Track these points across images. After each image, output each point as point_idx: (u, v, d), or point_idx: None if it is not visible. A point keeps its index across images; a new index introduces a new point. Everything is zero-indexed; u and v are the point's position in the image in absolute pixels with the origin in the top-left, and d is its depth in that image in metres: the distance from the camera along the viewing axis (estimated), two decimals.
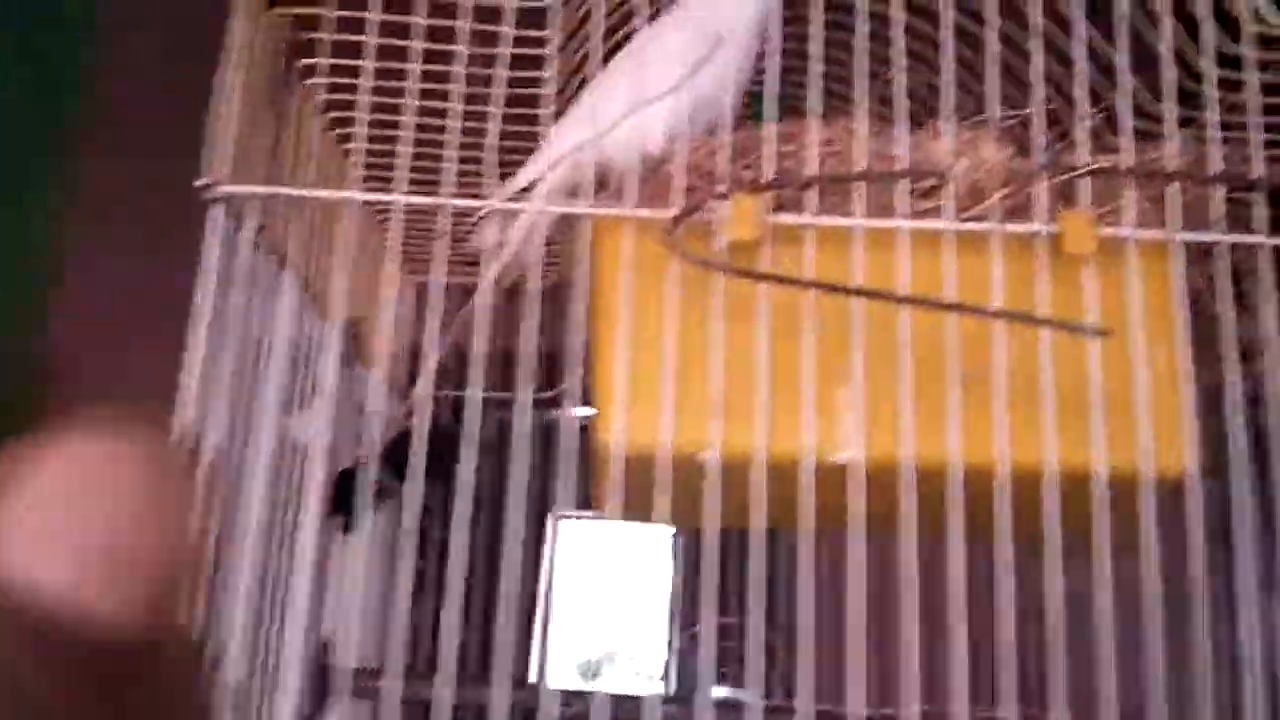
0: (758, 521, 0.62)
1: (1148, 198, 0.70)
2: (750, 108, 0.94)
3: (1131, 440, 0.65)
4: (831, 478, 0.65)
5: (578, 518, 1.53)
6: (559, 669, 1.51)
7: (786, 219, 0.67)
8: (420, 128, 0.73)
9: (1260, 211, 0.69)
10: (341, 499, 0.98)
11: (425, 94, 0.73)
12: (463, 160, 0.76)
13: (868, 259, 0.67)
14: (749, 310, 0.66)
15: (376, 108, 0.75)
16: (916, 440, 0.64)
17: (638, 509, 0.66)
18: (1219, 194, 0.69)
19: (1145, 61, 0.72)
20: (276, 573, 0.88)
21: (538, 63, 0.76)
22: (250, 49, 0.70)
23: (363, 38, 0.72)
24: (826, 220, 0.67)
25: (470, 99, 0.77)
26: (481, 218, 0.73)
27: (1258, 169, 0.69)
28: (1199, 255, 0.71)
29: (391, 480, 1.06)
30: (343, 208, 0.73)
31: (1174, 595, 0.72)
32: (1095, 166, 0.67)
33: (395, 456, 1.04)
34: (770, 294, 0.66)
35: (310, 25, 0.74)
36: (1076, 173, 0.66)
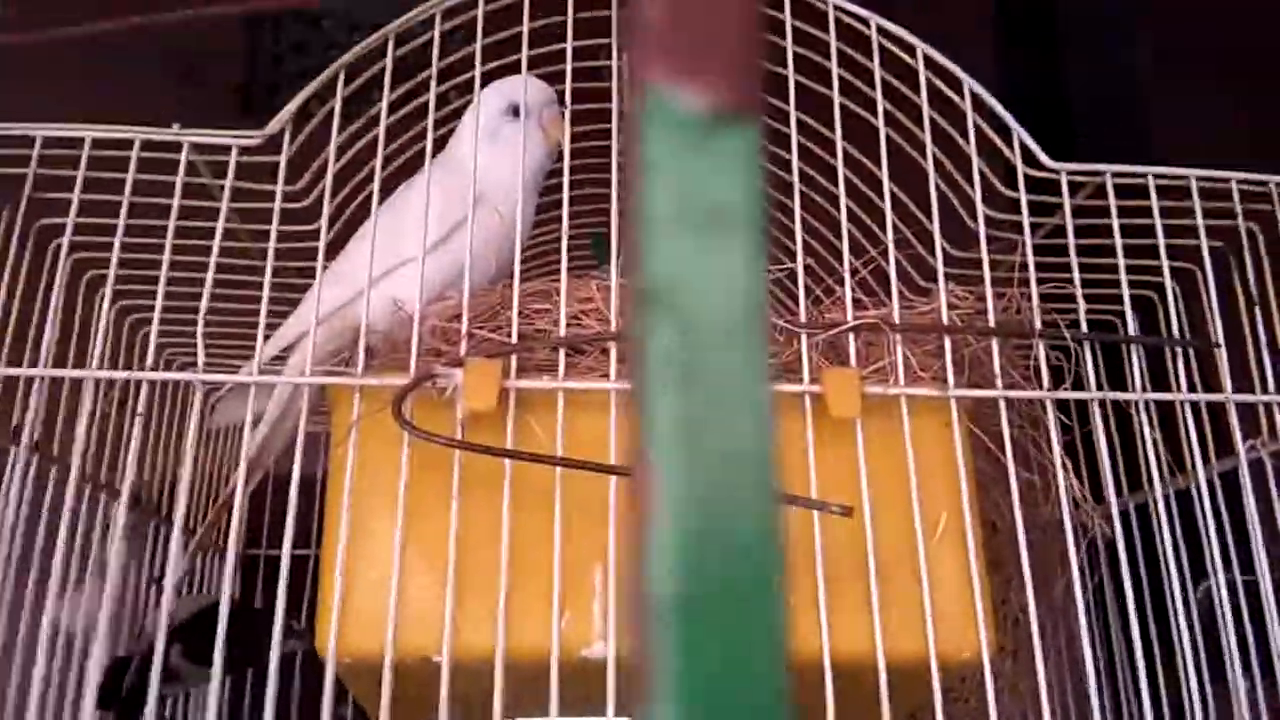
0: None
1: (931, 352, 0.66)
2: (593, 248, 0.91)
3: (918, 620, 0.59)
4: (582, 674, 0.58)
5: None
6: None
7: (530, 384, 0.61)
8: (179, 296, 0.67)
9: (1040, 364, 0.65)
10: (110, 692, 0.88)
11: (184, 263, 0.68)
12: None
13: (626, 426, 0.61)
14: (494, 486, 0.60)
15: (135, 278, 0.70)
16: None
17: (373, 701, 0.58)
18: (996, 347, 0.65)
19: (922, 210, 0.70)
20: None
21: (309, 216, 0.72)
22: None
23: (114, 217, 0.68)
24: (574, 385, 0.61)
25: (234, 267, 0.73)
26: (219, 398, 0.67)
27: (1036, 320, 0.66)
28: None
29: (187, 664, 0.97)
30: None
31: None
32: (859, 322, 0.63)
33: (192, 637, 0.95)
34: (517, 470, 0.60)
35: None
36: (839, 329, 0.63)
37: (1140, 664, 0.76)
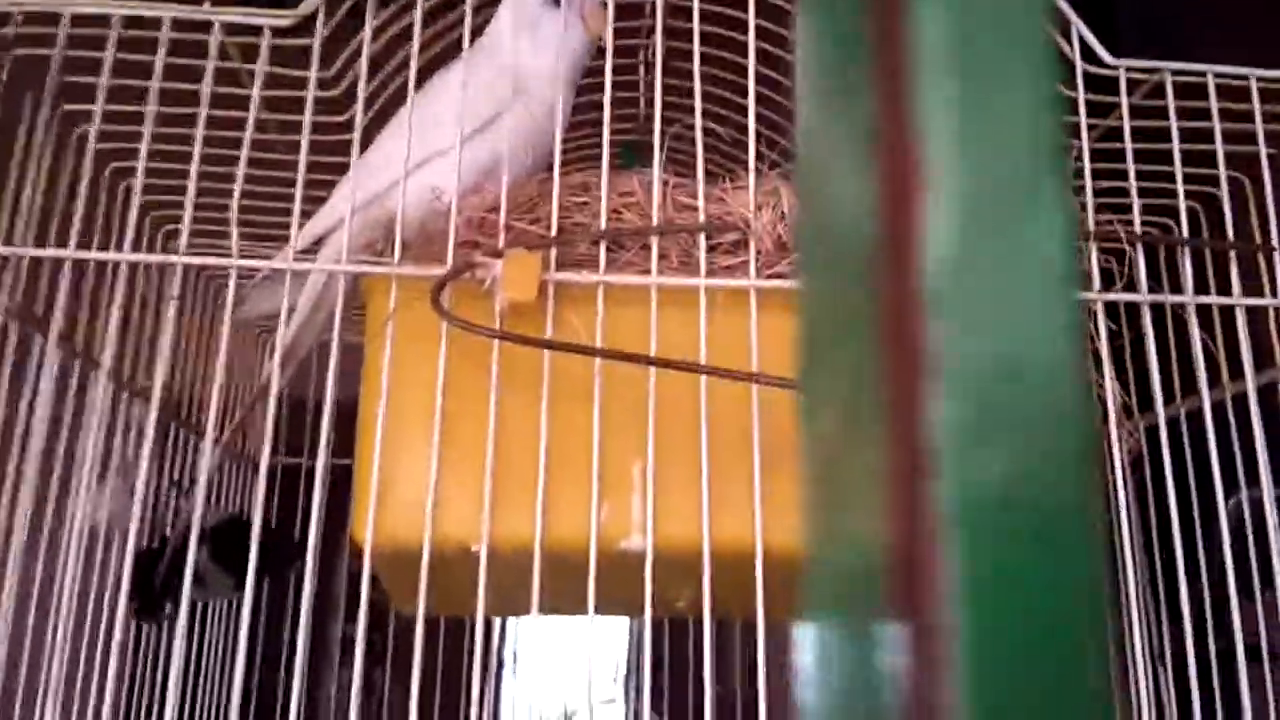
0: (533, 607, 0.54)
1: None
2: (620, 158, 0.89)
3: None
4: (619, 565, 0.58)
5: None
6: None
7: (570, 277, 0.60)
8: (207, 191, 0.66)
9: (1093, 266, 0.64)
10: (141, 584, 0.89)
11: (212, 156, 0.66)
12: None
13: (667, 319, 0.60)
14: (532, 380, 0.59)
15: (162, 170, 0.69)
16: (716, 522, 0.58)
17: (408, 593, 0.58)
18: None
19: None
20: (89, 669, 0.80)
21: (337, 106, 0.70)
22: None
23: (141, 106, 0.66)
24: (614, 278, 0.60)
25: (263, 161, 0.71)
26: (248, 290, 0.66)
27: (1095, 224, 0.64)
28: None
29: (213, 566, 0.97)
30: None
31: None
32: None
33: (220, 543, 0.96)
34: (555, 362, 0.59)
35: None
36: None
37: (1181, 572, 0.76)
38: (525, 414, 0.59)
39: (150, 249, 0.84)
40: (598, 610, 0.58)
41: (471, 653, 1.40)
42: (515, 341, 0.57)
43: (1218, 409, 0.77)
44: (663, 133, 0.64)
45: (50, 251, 0.62)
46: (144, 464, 0.68)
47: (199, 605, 1.09)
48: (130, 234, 0.66)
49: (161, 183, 0.75)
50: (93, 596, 0.81)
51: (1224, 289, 0.67)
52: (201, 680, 1.11)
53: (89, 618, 0.80)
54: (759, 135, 0.63)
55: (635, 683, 1.65)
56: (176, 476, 1.05)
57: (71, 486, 0.76)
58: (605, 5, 0.75)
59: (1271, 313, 0.65)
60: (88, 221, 0.70)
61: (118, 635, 0.72)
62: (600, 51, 0.72)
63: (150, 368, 0.81)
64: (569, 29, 0.72)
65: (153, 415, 0.66)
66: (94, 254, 0.62)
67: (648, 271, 0.62)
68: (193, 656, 1.10)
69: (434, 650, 1.38)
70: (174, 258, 0.60)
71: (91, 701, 0.79)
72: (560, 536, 0.57)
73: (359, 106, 0.67)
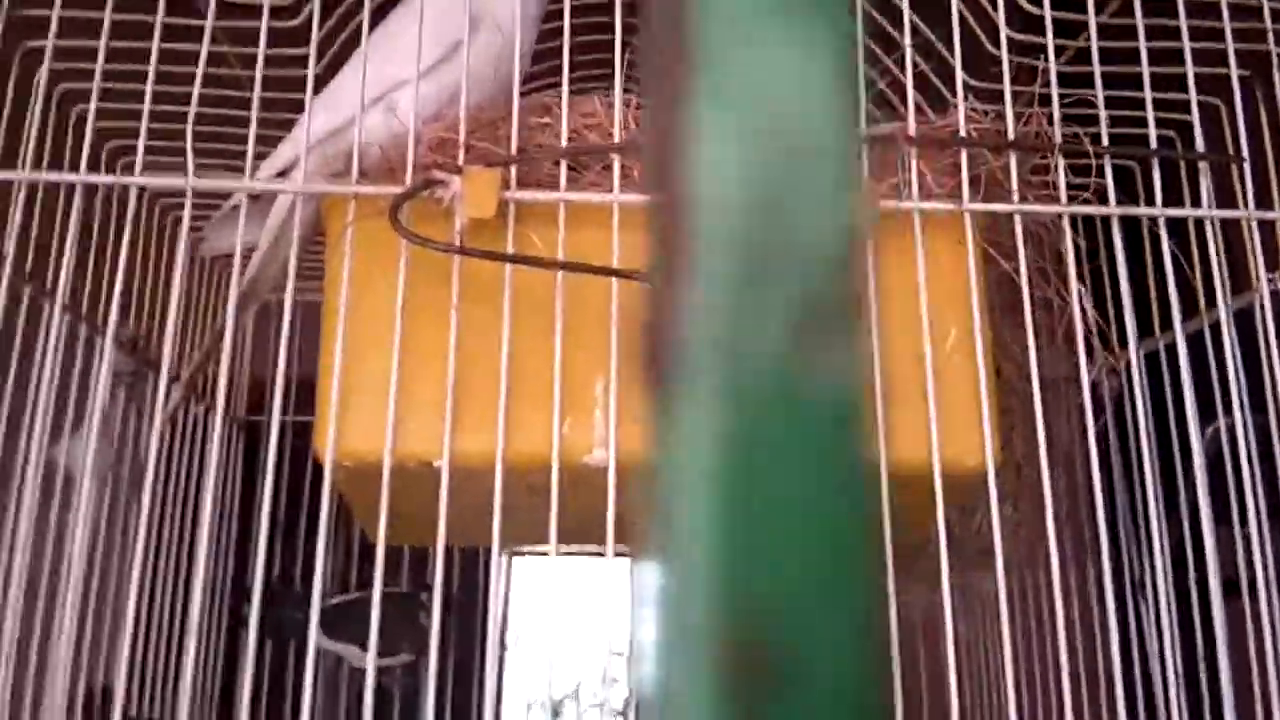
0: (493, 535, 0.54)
1: (947, 170, 0.64)
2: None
3: (922, 429, 0.58)
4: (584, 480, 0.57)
5: (529, 553, 1.45)
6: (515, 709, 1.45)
7: (531, 195, 0.60)
8: (160, 115, 0.65)
9: (1060, 179, 0.63)
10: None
11: (164, 77, 0.65)
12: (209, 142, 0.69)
13: (628, 240, 0.60)
14: (493, 297, 0.59)
15: (117, 109, 0.68)
16: None
17: (373, 515, 0.58)
18: (1014, 161, 0.63)
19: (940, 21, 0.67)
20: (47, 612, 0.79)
21: (295, 39, 0.69)
22: None
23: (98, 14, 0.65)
24: (575, 196, 0.60)
25: (217, 80, 0.70)
26: (208, 226, 0.65)
27: (1056, 135, 0.64)
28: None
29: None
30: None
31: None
32: (873, 133, 0.61)
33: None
34: (517, 280, 0.59)
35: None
36: None
37: (1154, 508, 0.75)
38: (486, 331, 0.59)
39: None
40: (564, 541, 0.57)
41: (483, 635, 1.41)
42: (473, 256, 0.57)
43: (1196, 338, 0.77)
44: (624, 54, 0.63)
45: (1, 174, 0.61)
46: (97, 406, 0.67)
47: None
48: (84, 162, 0.65)
49: (117, 112, 0.73)
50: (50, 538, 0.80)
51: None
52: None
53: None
54: None
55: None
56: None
57: (23, 426, 0.75)
58: None
59: (1246, 226, 0.64)
60: (40, 151, 0.69)
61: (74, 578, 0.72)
62: None
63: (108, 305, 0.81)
64: None
65: (108, 352, 0.66)
66: (46, 174, 0.62)
67: (610, 191, 0.61)
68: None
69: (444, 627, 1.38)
70: (130, 179, 0.60)
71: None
72: (522, 451, 0.57)
73: (313, 39, 0.66)
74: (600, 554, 0.58)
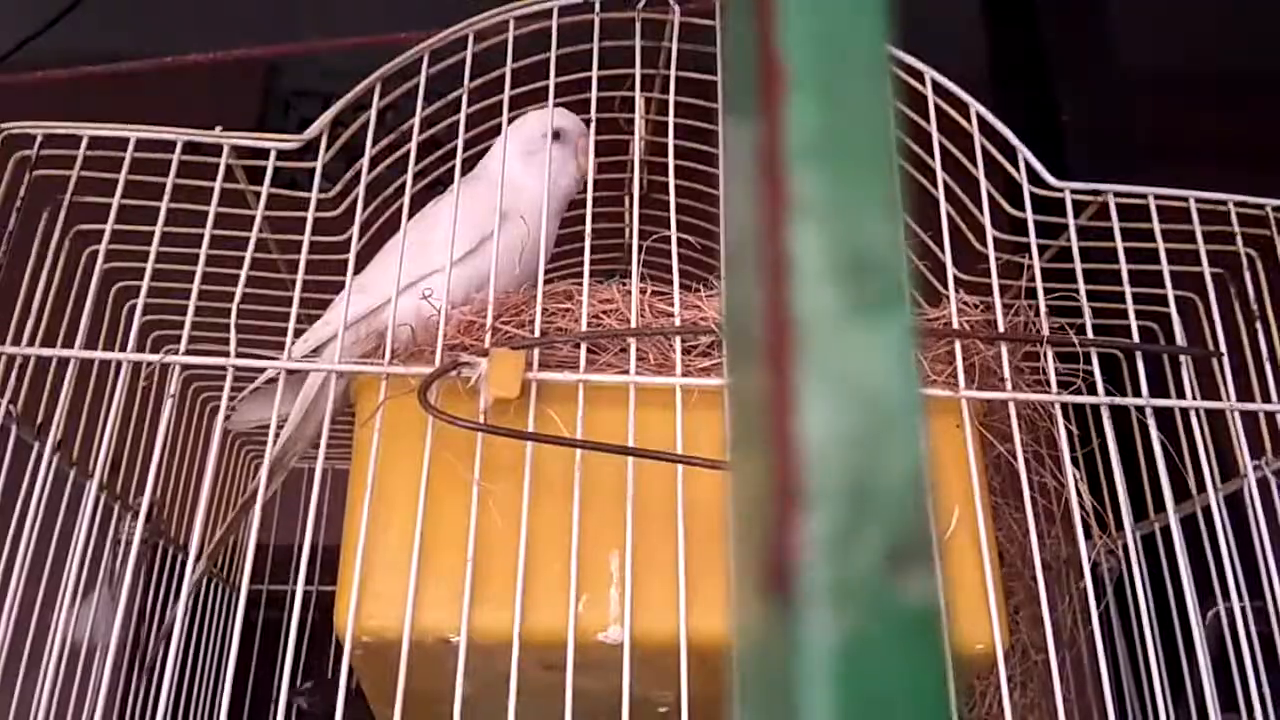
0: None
1: (941, 359, 0.68)
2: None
3: None
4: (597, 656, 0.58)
5: None
6: None
7: (552, 376, 0.63)
8: (206, 310, 0.69)
9: (1050, 370, 0.67)
10: None
11: (212, 275, 0.70)
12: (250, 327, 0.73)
13: (645, 419, 0.63)
14: (514, 475, 0.61)
15: (164, 290, 0.72)
16: (695, 613, 0.58)
17: (387, 697, 0.58)
18: (1005, 352, 0.67)
19: (931, 224, 0.72)
20: None
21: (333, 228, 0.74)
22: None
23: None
24: (595, 377, 0.63)
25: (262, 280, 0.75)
26: (239, 400, 0.69)
27: (1044, 327, 0.68)
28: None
29: None
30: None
31: None
32: None
33: None
34: (538, 459, 0.61)
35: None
36: None
37: (1160, 692, 0.75)
38: (506, 507, 0.61)
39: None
40: (576, 704, 0.58)
41: None
42: (498, 434, 0.60)
43: (1189, 521, 0.79)
44: (640, 247, 0.68)
45: (56, 351, 0.64)
46: (128, 579, 0.69)
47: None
48: (132, 343, 0.69)
49: (163, 301, 0.78)
50: (70, 713, 0.80)
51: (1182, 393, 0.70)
52: None
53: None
54: None
55: None
56: (160, 596, 1.04)
57: (56, 599, 0.76)
58: (590, 145, 0.81)
59: (1230, 416, 0.68)
60: (93, 332, 0.73)
61: None
62: (585, 187, 0.77)
63: (142, 481, 0.83)
64: (565, 164, 0.78)
65: (143, 514, 0.68)
66: (98, 353, 0.65)
67: (626, 373, 0.64)
68: None
69: None
70: (173, 358, 0.63)
71: None
72: (538, 628, 0.58)
73: (355, 227, 0.71)
74: None
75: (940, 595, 0.11)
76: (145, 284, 0.70)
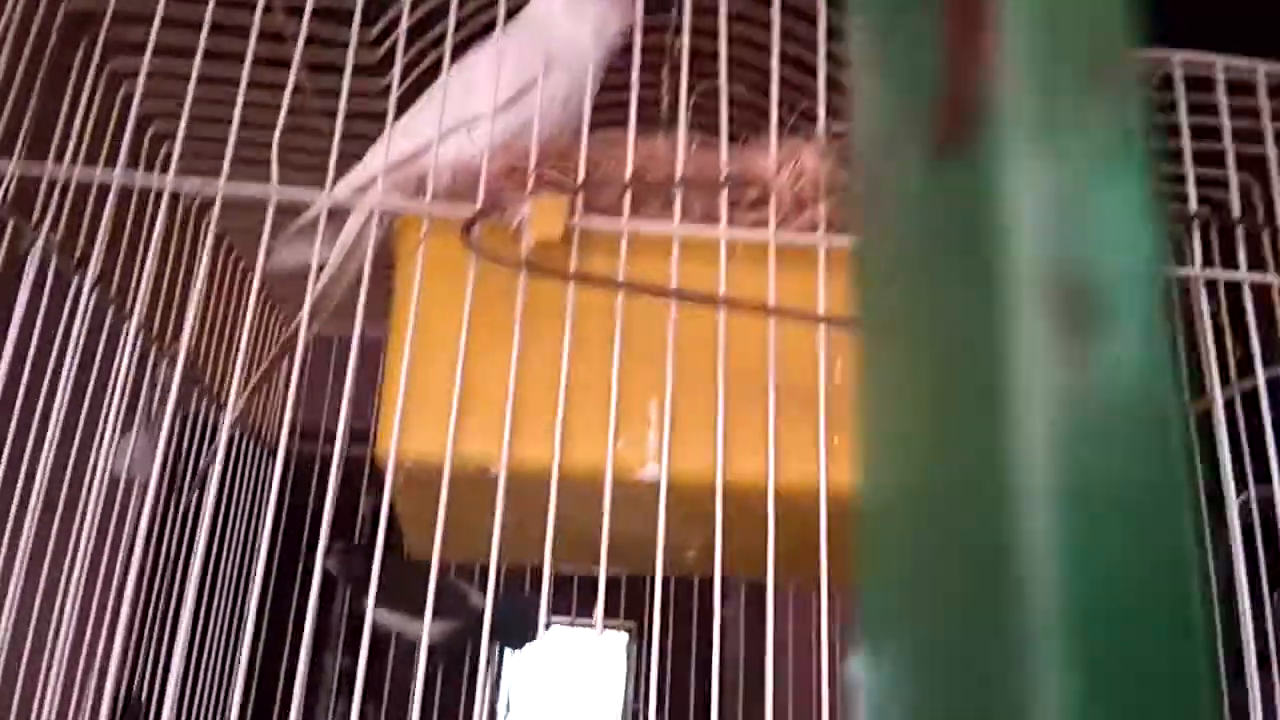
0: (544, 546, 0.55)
1: None
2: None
3: None
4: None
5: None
6: None
7: (595, 223, 0.62)
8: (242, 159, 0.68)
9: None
10: None
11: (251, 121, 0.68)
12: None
13: (686, 271, 0.62)
14: (554, 318, 0.61)
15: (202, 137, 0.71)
16: (730, 458, 0.59)
17: (425, 528, 0.59)
18: None
19: None
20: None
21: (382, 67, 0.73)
22: (33, 25, 0.66)
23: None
24: (639, 225, 0.62)
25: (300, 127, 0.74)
26: (278, 241, 0.68)
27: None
28: None
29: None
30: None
31: None
32: None
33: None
34: (579, 302, 0.61)
35: None
36: None
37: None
38: (546, 350, 0.61)
39: (189, 206, 0.86)
40: (610, 563, 0.58)
41: (470, 691, 1.41)
42: (539, 273, 0.59)
43: (1230, 405, 0.78)
44: (689, 97, 0.67)
45: (96, 172, 0.64)
46: (167, 418, 0.69)
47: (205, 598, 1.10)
48: (169, 181, 0.68)
49: (198, 144, 0.77)
50: (107, 547, 0.82)
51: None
52: (201, 679, 1.10)
53: (103, 564, 0.81)
54: (780, 100, 0.65)
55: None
56: (195, 445, 1.06)
57: (95, 434, 0.78)
58: None
59: (1275, 293, 0.67)
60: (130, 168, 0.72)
61: (129, 590, 0.73)
62: (630, 34, 0.75)
63: (179, 327, 0.83)
64: (606, 15, 0.76)
65: (182, 355, 0.68)
66: (139, 176, 0.64)
67: (670, 223, 0.64)
68: (194, 654, 1.09)
69: (431, 691, 1.38)
70: (216, 182, 0.63)
71: (99, 657, 0.80)
72: (577, 462, 0.58)
73: (395, 72, 0.70)
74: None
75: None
76: (183, 121, 0.69)
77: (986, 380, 0.09)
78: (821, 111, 0.65)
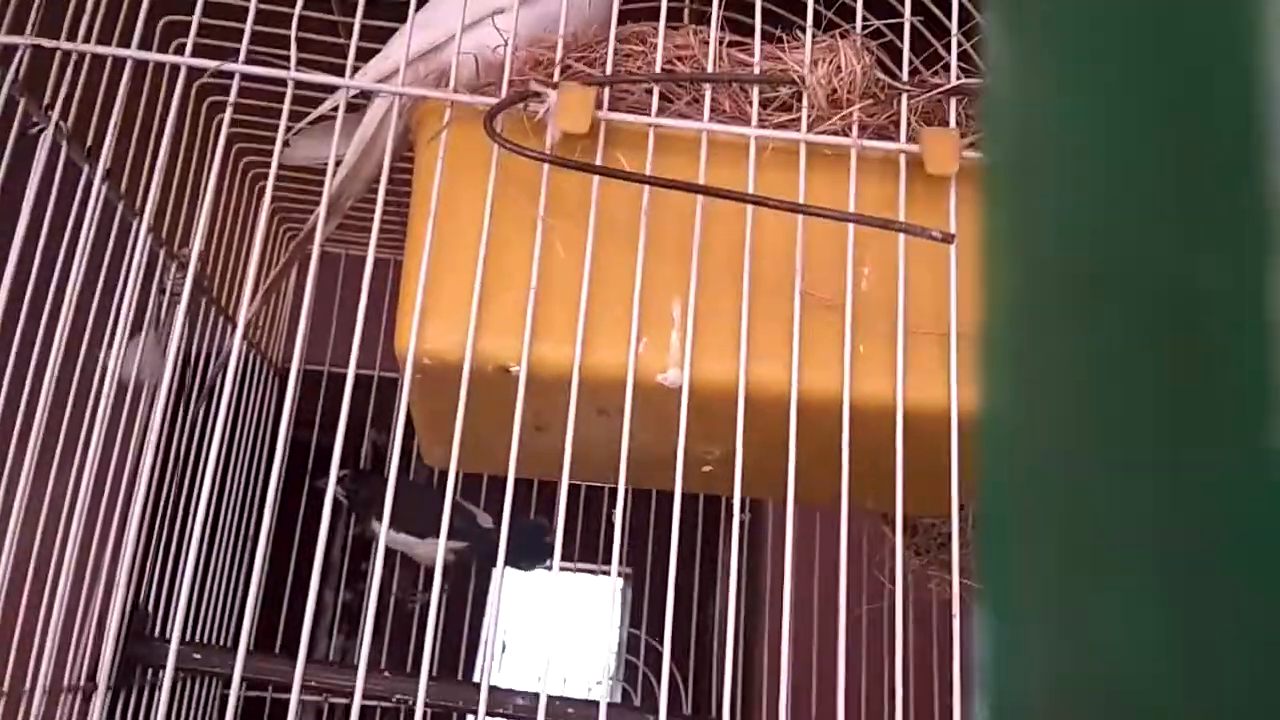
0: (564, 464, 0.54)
1: None
2: None
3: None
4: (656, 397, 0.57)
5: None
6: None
7: (623, 117, 0.60)
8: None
9: None
10: None
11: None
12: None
13: (715, 171, 0.60)
14: (579, 215, 0.59)
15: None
16: (754, 363, 0.58)
17: (441, 433, 0.58)
18: None
19: None
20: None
21: None
22: None
23: None
24: (666, 122, 0.60)
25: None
26: (295, 132, 0.66)
27: None
28: None
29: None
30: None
31: None
32: (961, 83, 0.61)
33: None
34: (604, 201, 0.60)
35: None
36: (941, 89, 0.61)
37: None
38: (569, 247, 0.59)
39: (201, 104, 0.84)
40: (629, 480, 0.57)
41: (475, 618, 1.41)
42: (562, 165, 0.58)
43: None
44: None
45: (111, 49, 0.62)
46: (178, 323, 0.68)
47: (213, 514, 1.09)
48: (185, 60, 0.66)
49: (216, 23, 0.74)
50: (116, 450, 0.81)
51: None
52: (207, 594, 1.10)
53: (111, 470, 0.80)
54: None
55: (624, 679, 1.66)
56: (203, 352, 1.04)
57: (105, 336, 0.76)
58: None
59: None
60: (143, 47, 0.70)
61: (139, 499, 0.72)
62: None
63: (188, 231, 0.82)
64: None
65: (193, 260, 0.67)
66: (154, 54, 0.63)
67: (699, 120, 0.62)
68: (201, 568, 1.09)
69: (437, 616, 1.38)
70: (234, 66, 0.61)
71: (106, 565, 0.79)
72: (598, 364, 0.57)
73: None
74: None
75: None
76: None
77: None
78: (859, 7, 0.63)
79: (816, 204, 0.59)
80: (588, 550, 1.34)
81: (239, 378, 1.11)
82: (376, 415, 1.24)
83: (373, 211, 0.61)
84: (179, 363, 0.96)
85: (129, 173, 0.77)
